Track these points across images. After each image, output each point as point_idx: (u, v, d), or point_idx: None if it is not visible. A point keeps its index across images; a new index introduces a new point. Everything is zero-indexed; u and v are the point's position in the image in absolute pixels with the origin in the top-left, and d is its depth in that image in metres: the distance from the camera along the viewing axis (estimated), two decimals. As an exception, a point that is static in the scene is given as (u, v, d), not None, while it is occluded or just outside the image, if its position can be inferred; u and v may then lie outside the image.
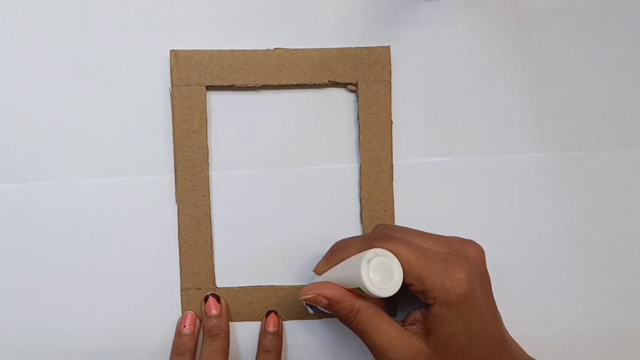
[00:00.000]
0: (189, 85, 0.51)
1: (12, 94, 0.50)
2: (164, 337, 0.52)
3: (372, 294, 0.40)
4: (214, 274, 0.52)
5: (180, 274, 0.52)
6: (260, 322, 0.53)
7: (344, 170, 0.53)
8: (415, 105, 0.53)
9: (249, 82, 0.51)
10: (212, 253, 0.52)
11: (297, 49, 0.51)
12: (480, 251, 0.45)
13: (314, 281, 0.47)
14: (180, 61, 0.51)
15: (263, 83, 0.51)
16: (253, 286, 0.53)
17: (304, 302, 0.47)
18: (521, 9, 0.54)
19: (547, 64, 0.54)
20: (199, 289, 0.52)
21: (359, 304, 0.43)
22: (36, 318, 0.51)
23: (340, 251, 0.46)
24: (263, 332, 0.52)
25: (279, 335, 0.52)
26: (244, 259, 0.53)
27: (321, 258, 0.48)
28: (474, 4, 0.53)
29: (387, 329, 0.43)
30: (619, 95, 0.54)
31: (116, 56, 0.51)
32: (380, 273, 0.41)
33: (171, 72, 0.51)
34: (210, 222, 0.52)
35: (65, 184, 0.51)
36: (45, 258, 0.51)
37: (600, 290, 0.54)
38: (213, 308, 0.51)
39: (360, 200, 0.53)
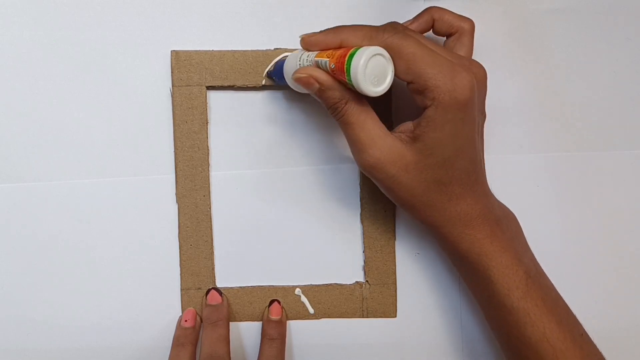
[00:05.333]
0: (190, 86, 0.51)
1: (13, 94, 0.51)
2: (164, 336, 0.52)
3: (362, 89, 0.40)
4: (214, 273, 0.52)
5: (181, 273, 0.52)
6: (261, 322, 0.53)
7: (344, 170, 0.53)
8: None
9: (250, 83, 0.51)
10: (212, 253, 0.52)
11: (298, 49, 0.51)
12: (485, 75, 0.45)
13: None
14: (180, 62, 0.51)
15: (263, 83, 0.51)
16: (253, 286, 0.53)
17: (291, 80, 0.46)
18: (521, 9, 0.54)
19: (547, 64, 0.54)
20: (199, 288, 0.52)
21: (349, 94, 0.43)
22: (36, 317, 0.52)
23: (344, 32, 0.43)
24: (266, 321, 0.52)
25: (282, 323, 0.51)
26: (244, 258, 0.53)
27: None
28: (474, 4, 0.53)
29: (372, 126, 0.43)
30: (619, 95, 0.54)
31: (117, 56, 0.51)
32: (375, 72, 0.40)
33: (172, 72, 0.51)
34: (211, 221, 0.52)
35: (65, 184, 0.51)
36: (45, 258, 0.51)
37: (600, 290, 0.54)
38: (213, 300, 0.51)
39: (361, 201, 0.53)
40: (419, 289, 0.54)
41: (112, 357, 0.52)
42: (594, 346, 0.46)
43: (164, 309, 0.52)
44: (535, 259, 0.48)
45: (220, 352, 0.47)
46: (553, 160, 0.54)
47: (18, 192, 0.51)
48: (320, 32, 0.44)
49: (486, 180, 0.48)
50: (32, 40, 0.50)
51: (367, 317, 0.53)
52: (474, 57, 0.52)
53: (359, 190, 0.53)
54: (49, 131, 0.51)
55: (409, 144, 0.43)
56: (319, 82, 0.42)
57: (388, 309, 0.53)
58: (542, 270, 0.48)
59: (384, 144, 0.43)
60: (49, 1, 0.50)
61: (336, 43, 0.43)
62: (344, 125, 0.44)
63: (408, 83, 0.42)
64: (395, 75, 0.42)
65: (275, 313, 0.52)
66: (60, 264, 0.51)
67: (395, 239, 0.53)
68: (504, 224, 0.47)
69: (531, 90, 0.54)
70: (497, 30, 0.53)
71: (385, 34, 0.41)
